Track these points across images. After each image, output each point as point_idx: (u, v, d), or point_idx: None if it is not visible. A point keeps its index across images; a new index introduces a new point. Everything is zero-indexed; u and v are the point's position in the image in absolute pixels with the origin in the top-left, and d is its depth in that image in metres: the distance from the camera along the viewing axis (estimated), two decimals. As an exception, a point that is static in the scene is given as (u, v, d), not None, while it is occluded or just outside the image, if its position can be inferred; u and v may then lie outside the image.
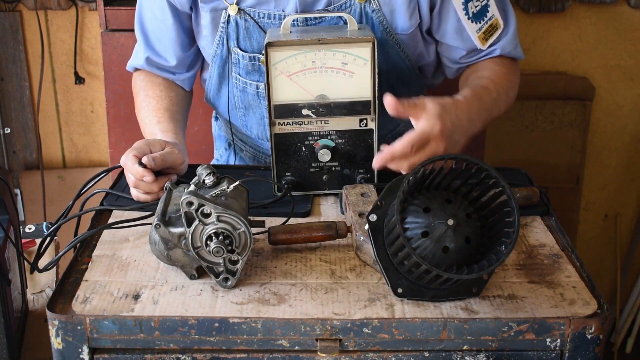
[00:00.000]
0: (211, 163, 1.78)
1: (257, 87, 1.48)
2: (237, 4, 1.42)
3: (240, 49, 1.46)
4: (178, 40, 1.54)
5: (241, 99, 1.52)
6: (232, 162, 1.71)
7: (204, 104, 1.71)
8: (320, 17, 1.40)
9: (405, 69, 1.48)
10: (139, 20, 1.57)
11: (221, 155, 1.75)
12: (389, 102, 1.17)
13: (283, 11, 1.40)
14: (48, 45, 2.69)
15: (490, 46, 1.47)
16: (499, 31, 1.46)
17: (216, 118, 1.77)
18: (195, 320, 0.99)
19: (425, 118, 1.17)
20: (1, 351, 1.19)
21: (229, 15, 1.43)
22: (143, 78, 1.59)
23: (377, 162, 1.19)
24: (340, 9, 1.39)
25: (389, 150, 1.17)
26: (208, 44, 1.51)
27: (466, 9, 1.42)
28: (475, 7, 1.42)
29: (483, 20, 1.43)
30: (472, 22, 1.43)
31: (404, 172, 1.19)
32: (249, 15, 1.42)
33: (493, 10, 1.44)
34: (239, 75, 1.49)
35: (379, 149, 1.32)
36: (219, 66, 1.51)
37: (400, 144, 1.16)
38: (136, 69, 1.61)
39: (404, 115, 1.18)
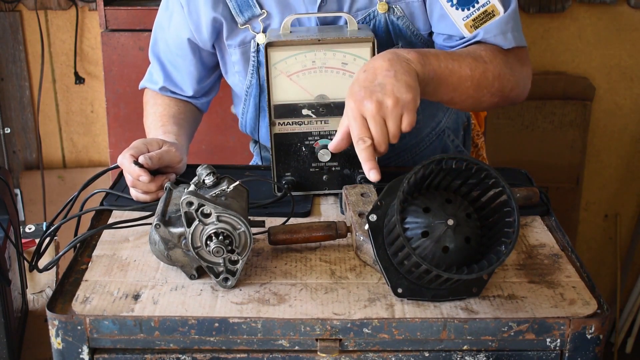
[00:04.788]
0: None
1: None
2: (264, 31, 1.43)
3: None
4: (196, 74, 1.54)
5: None
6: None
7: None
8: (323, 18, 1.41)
9: None
10: (154, 49, 1.57)
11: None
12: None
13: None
14: (48, 45, 2.69)
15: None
16: (495, 19, 1.35)
17: (255, 142, 1.73)
18: (195, 320, 0.99)
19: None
20: (1, 351, 1.19)
21: (257, 44, 1.43)
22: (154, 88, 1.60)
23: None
24: (364, 21, 1.39)
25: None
26: (241, 79, 1.50)
27: None
28: None
29: (473, 7, 1.35)
30: (457, 9, 1.35)
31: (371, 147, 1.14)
32: None
33: None
34: None
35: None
36: (254, 96, 1.50)
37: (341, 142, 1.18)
38: None
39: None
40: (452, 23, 1.37)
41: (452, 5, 1.35)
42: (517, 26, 1.39)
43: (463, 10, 1.35)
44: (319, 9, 1.40)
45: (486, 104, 1.37)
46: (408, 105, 1.12)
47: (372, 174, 1.13)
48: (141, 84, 1.62)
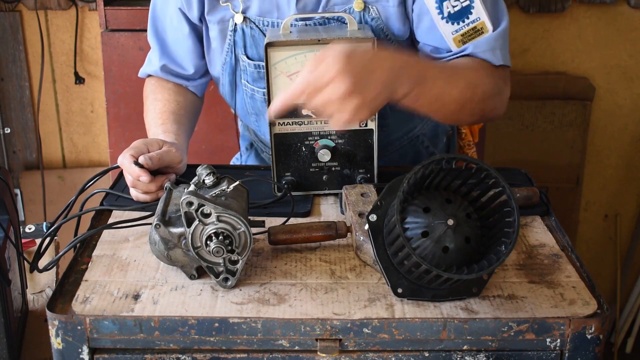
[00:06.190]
0: (231, 162, 1.77)
1: (264, 94, 1.48)
2: (243, 12, 1.43)
3: (247, 57, 1.46)
4: (195, 49, 1.55)
5: (251, 106, 1.52)
6: (251, 163, 1.71)
7: (206, 105, 1.71)
8: (321, 18, 1.41)
9: None
10: (153, 27, 1.57)
11: (241, 154, 1.75)
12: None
13: None
14: (48, 45, 2.69)
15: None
16: (484, 35, 1.36)
17: (245, 141, 1.75)
18: (195, 320, 0.99)
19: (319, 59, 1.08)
20: (1, 351, 1.18)
21: (235, 24, 1.44)
22: (154, 83, 1.59)
23: (272, 109, 1.11)
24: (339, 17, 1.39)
25: (283, 96, 1.09)
26: (217, 55, 1.51)
27: (440, 8, 1.35)
28: (454, 7, 1.34)
29: (463, 22, 1.35)
30: (447, 22, 1.36)
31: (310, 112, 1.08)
32: (254, 23, 1.43)
33: (478, 12, 1.34)
34: (247, 82, 1.49)
35: (378, 149, 1.32)
36: (229, 74, 1.51)
37: (293, 88, 1.08)
38: (149, 75, 1.62)
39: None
40: (440, 36, 1.38)
41: (442, 18, 1.36)
42: (506, 45, 1.39)
43: (453, 24, 1.36)
44: (297, 4, 1.40)
45: (463, 122, 1.41)
46: (362, 112, 1.07)
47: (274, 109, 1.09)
48: (141, 71, 1.62)
